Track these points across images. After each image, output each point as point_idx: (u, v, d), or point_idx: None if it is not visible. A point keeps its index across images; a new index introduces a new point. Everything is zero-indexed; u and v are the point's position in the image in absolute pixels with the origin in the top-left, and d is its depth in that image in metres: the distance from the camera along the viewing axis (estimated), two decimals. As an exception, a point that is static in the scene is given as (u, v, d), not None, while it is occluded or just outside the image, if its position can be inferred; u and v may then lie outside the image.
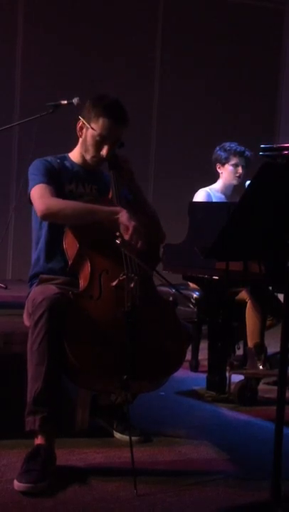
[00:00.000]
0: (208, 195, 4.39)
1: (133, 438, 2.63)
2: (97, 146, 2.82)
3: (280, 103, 7.37)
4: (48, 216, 2.72)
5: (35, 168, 2.83)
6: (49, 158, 2.89)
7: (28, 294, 2.81)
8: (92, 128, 2.79)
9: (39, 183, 2.76)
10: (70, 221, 2.72)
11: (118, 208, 2.69)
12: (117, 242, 2.62)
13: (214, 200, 4.37)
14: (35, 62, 6.35)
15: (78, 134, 2.87)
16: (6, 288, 3.96)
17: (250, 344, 3.88)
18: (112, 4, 6.64)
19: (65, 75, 6.21)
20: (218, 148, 4.43)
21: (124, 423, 2.87)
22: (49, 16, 6.39)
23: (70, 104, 3.03)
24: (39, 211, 2.71)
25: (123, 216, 2.65)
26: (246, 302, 3.89)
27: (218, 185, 4.46)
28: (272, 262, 3.23)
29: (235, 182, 4.40)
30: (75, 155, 2.93)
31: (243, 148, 4.37)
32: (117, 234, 2.63)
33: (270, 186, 2.20)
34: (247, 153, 4.36)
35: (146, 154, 6.81)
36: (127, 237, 2.62)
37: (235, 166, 4.37)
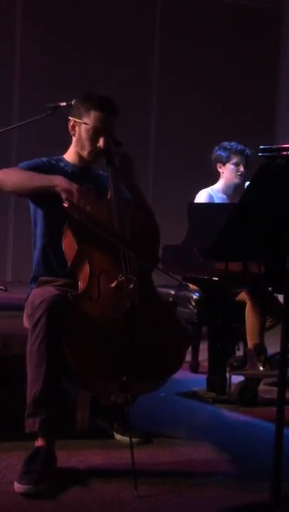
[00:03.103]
0: (210, 196, 4.36)
1: (133, 439, 2.62)
2: (93, 139, 2.84)
3: (279, 103, 7.37)
4: None
5: (26, 162, 2.87)
6: (44, 159, 2.91)
7: (28, 296, 2.81)
8: (84, 123, 2.82)
9: (17, 166, 2.83)
10: (14, 187, 2.78)
11: (54, 176, 2.71)
12: (65, 205, 2.63)
13: (216, 201, 4.34)
14: (35, 62, 6.35)
15: (71, 133, 2.90)
16: (5, 290, 3.96)
17: (250, 345, 3.87)
18: (112, 4, 6.64)
19: (65, 75, 6.21)
20: (217, 147, 4.41)
21: (125, 424, 2.87)
22: (49, 16, 6.39)
23: (69, 106, 3.03)
24: None
25: (62, 182, 2.67)
26: (246, 303, 3.88)
27: (219, 185, 4.42)
28: (271, 262, 3.22)
29: (237, 181, 4.36)
30: (69, 155, 2.94)
31: (243, 147, 4.34)
32: (65, 197, 2.64)
33: (269, 187, 2.20)
34: (247, 151, 4.33)
35: (145, 154, 6.81)
36: (75, 200, 2.64)
37: (237, 164, 4.33)
